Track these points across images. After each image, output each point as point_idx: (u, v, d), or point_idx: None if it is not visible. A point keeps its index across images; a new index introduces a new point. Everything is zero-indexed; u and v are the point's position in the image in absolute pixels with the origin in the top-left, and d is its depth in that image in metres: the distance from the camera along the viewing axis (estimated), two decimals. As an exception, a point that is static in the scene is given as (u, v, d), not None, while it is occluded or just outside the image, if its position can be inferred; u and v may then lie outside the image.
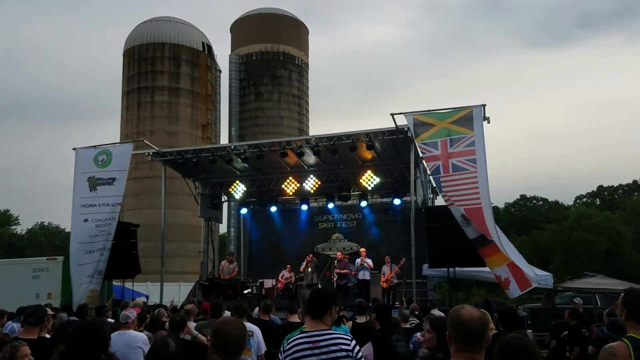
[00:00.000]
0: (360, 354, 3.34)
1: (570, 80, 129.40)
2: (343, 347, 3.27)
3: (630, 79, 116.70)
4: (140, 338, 5.60)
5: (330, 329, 3.41)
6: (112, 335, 3.80)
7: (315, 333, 3.31)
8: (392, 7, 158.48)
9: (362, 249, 15.74)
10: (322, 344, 3.25)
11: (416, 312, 9.28)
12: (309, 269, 15.95)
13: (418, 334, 6.37)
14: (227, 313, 7.59)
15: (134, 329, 5.96)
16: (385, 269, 15.16)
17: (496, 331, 5.67)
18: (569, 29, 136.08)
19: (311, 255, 16.26)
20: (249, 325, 5.80)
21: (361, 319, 7.38)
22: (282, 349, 3.34)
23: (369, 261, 15.22)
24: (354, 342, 3.35)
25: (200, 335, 5.60)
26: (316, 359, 3.22)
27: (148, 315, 7.44)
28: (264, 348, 5.82)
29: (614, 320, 4.87)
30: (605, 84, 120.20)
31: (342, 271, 15.34)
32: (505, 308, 6.58)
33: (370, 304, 8.31)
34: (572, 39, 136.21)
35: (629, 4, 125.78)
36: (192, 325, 6.72)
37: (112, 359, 4.13)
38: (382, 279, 15.14)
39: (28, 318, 4.67)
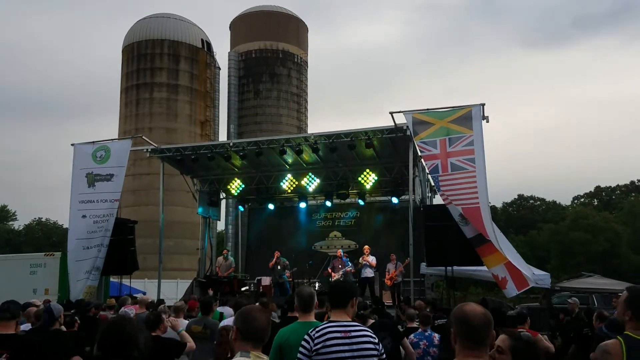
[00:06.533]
0: (383, 349, 3.41)
1: (568, 80, 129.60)
2: (371, 339, 3.37)
3: (626, 80, 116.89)
4: None
5: (353, 321, 3.49)
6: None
7: (345, 323, 3.38)
8: (389, 6, 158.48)
9: (366, 247, 15.62)
10: (353, 334, 3.33)
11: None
12: (278, 267, 15.81)
13: (412, 336, 6.40)
14: (227, 309, 7.59)
15: None
16: (390, 266, 15.07)
17: None
18: (564, 29, 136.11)
19: (278, 253, 16.06)
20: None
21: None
22: (307, 337, 3.32)
23: (371, 259, 15.14)
24: (376, 337, 3.43)
25: (183, 332, 5.56)
26: (348, 348, 3.27)
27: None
28: None
29: (613, 319, 4.86)
30: (602, 85, 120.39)
31: (348, 270, 15.31)
32: (492, 307, 6.55)
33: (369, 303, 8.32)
34: (568, 39, 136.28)
35: (624, 6, 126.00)
36: (183, 322, 6.69)
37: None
38: (387, 277, 15.10)
39: (3, 313, 4.62)
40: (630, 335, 2.93)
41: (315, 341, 3.27)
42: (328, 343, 3.25)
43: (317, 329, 3.34)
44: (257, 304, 7.49)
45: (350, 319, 3.46)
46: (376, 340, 3.38)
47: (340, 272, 15.19)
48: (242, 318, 2.74)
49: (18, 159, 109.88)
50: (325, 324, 3.40)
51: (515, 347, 2.53)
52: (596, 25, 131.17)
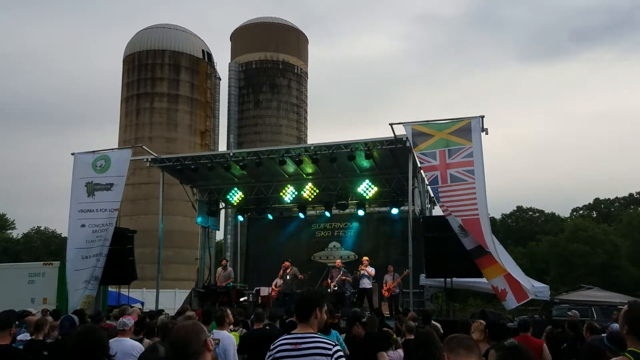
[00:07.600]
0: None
1: (566, 93, 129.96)
2: (323, 351, 3.27)
3: (624, 92, 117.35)
4: (135, 346, 5.52)
5: (316, 333, 3.41)
6: (109, 341, 3.79)
7: (299, 335, 3.37)
8: (388, 19, 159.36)
9: (365, 258, 15.64)
10: (303, 346, 3.30)
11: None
12: (287, 277, 15.83)
13: None
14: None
15: (130, 336, 5.93)
16: (388, 277, 15.10)
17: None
18: (562, 43, 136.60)
19: (288, 262, 16.03)
20: (219, 334, 5.80)
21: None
22: (268, 351, 3.43)
23: (370, 269, 15.14)
24: (336, 347, 3.33)
25: None
26: None
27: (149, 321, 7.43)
28: (232, 357, 5.66)
29: (615, 332, 4.87)
30: (600, 97, 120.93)
31: (343, 278, 15.32)
32: (492, 321, 6.58)
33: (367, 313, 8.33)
34: (566, 52, 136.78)
35: (622, 20, 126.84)
36: None
37: None
38: (384, 288, 15.10)
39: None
40: (637, 351, 2.86)
41: (269, 354, 3.37)
42: (277, 356, 3.32)
43: (274, 342, 3.42)
44: (253, 314, 7.51)
45: (313, 331, 3.39)
46: (331, 352, 3.25)
47: (336, 281, 15.20)
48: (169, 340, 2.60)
49: (17, 168, 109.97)
50: (283, 337, 3.46)
51: (501, 357, 2.52)
52: (594, 38, 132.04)
